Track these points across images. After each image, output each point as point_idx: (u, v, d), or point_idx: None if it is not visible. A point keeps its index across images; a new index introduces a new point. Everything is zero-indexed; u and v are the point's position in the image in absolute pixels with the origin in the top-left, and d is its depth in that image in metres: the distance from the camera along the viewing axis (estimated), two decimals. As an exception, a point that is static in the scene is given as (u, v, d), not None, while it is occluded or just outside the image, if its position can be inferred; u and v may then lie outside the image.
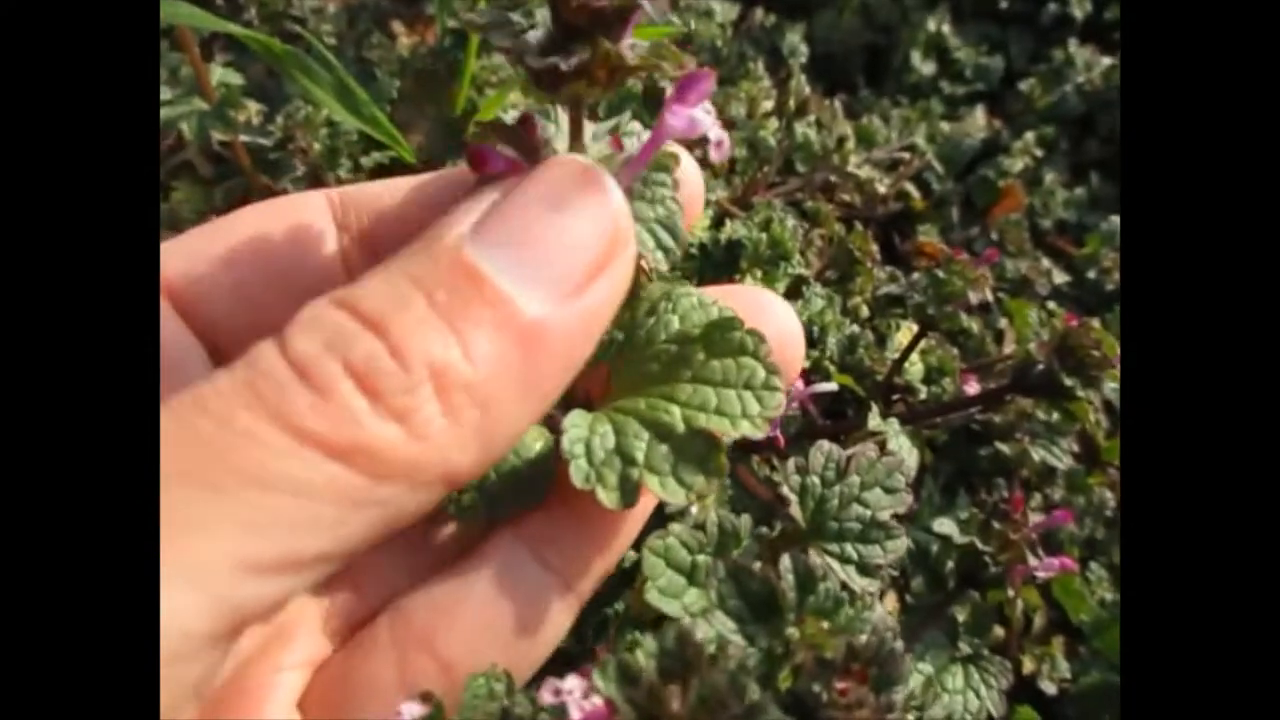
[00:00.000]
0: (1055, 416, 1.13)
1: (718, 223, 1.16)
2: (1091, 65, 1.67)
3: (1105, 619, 1.08)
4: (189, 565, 0.36)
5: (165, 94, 1.09)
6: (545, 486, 0.54)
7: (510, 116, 0.51)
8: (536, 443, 0.56)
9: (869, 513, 0.66)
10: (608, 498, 0.48)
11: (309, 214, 0.56)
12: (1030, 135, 1.60)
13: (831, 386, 1.01)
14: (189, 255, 0.54)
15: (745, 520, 0.60)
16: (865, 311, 1.21)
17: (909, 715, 0.62)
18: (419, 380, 0.40)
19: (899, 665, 0.50)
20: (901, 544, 0.66)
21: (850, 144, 1.38)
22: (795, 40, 1.67)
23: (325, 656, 0.51)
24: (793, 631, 0.52)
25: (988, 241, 1.50)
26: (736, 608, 0.52)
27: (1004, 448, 1.14)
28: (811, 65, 1.68)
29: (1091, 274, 1.47)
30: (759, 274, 1.15)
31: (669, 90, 0.47)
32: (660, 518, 0.61)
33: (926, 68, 1.73)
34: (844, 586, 0.60)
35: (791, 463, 0.65)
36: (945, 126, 1.61)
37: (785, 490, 0.65)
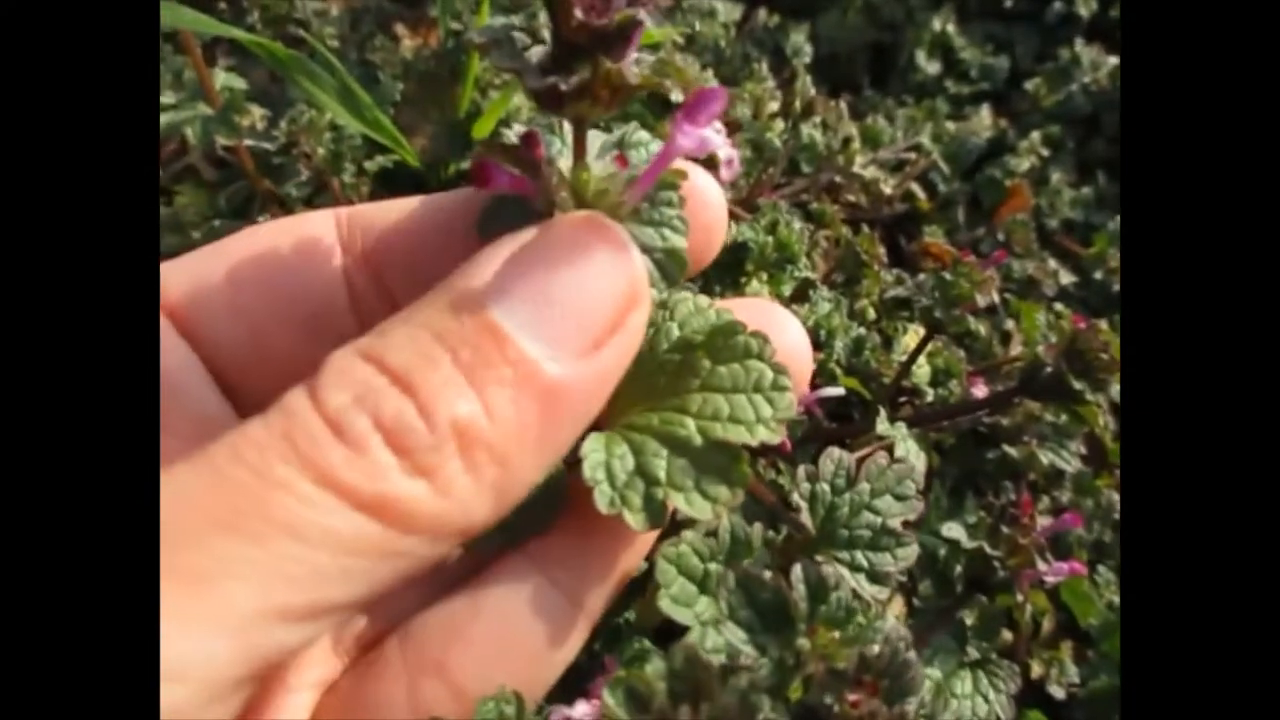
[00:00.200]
0: (1063, 419, 1.12)
1: (723, 225, 1.15)
2: (1098, 64, 1.66)
3: (1113, 622, 1.07)
4: (224, 613, 0.37)
5: (169, 98, 1.09)
6: (556, 511, 0.54)
7: (513, 133, 0.50)
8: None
9: (879, 520, 0.65)
10: (634, 520, 0.48)
11: (314, 234, 0.56)
12: (1036, 135, 1.59)
13: (838, 390, 1.00)
14: (192, 276, 0.54)
15: (757, 528, 0.60)
16: (872, 314, 1.21)
17: (919, 724, 0.61)
18: (444, 439, 0.42)
19: (912, 676, 0.50)
20: (912, 552, 0.66)
21: (856, 144, 1.37)
22: (799, 40, 1.66)
23: (335, 677, 0.51)
24: (803, 642, 0.52)
25: (994, 242, 1.49)
26: (747, 618, 0.52)
27: (1011, 451, 1.14)
28: (815, 65, 1.68)
29: (1098, 274, 1.47)
30: (764, 277, 1.14)
31: (679, 109, 0.46)
32: (671, 525, 0.61)
33: (931, 67, 1.72)
34: (855, 595, 0.59)
35: (802, 470, 0.65)
36: (951, 126, 1.60)
37: (795, 497, 0.65)
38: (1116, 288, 1.45)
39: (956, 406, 1.09)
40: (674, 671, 0.41)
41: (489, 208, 0.52)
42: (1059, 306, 1.36)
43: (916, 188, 1.53)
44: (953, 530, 1.00)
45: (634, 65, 0.44)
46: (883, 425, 0.97)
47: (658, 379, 0.52)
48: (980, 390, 1.14)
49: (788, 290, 1.13)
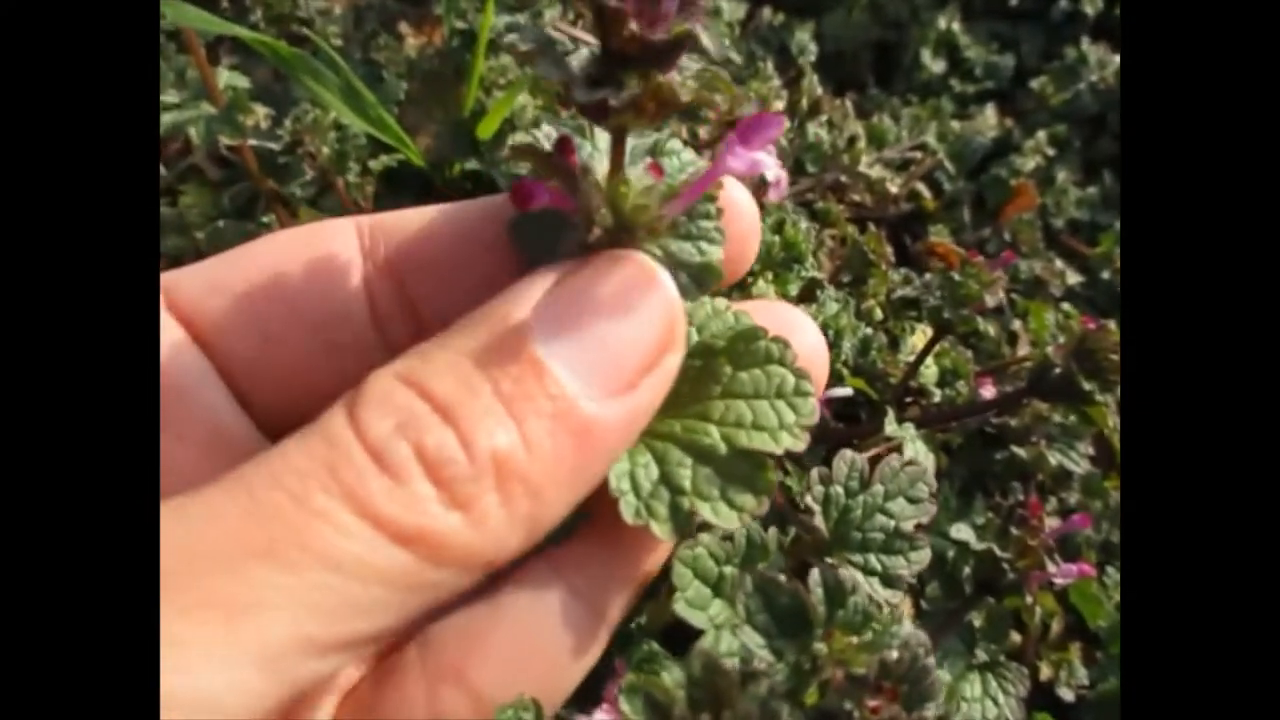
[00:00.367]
0: (1071, 419, 1.12)
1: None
2: (1104, 63, 1.65)
3: (1123, 624, 1.07)
4: (258, 644, 0.37)
5: (172, 98, 1.08)
6: (577, 517, 0.53)
7: (543, 135, 0.49)
8: None
9: (893, 523, 0.65)
10: (661, 530, 0.48)
11: (335, 242, 0.55)
12: (1042, 134, 1.58)
13: (846, 391, 1.00)
14: (207, 282, 0.54)
15: (773, 532, 0.59)
16: (879, 314, 1.20)
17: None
18: (483, 470, 0.42)
19: (931, 682, 0.49)
20: (925, 555, 0.66)
21: (861, 144, 1.37)
22: (804, 39, 1.66)
23: (353, 683, 0.50)
24: (821, 646, 0.51)
25: (1000, 241, 1.48)
26: (764, 622, 0.52)
27: (1020, 451, 1.13)
28: (820, 64, 1.67)
29: (1105, 274, 1.46)
30: (771, 276, 1.14)
31: (732, 130, 0.45)
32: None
33: (937, 66, 1.72)
34: (870, 599, 0.59)
35: (815, 472, 0.64)
36: (956, 125, 1.60)
37: (808, 499, 0.65)
38: (1123, 288, 1.44)
39: (965, 407, 1.09)
40: (693, 679, 0.41)
41: (521, 218, 0.52)
42: (1066, 306, 1.36)
43: (922, 187, 1.52)
44: (961, 532, 0.99)
45: (683, 81, 0.43)
46: (891, 426, 0.97)
47: (680, 385, 0.51)
48: (988, 391, 1.13)
49: (794, 290, 1.13)
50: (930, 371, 1.15)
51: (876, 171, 1.43)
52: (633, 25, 0.40)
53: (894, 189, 1.45)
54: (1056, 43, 1.76)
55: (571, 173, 0.48)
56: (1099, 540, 1.15)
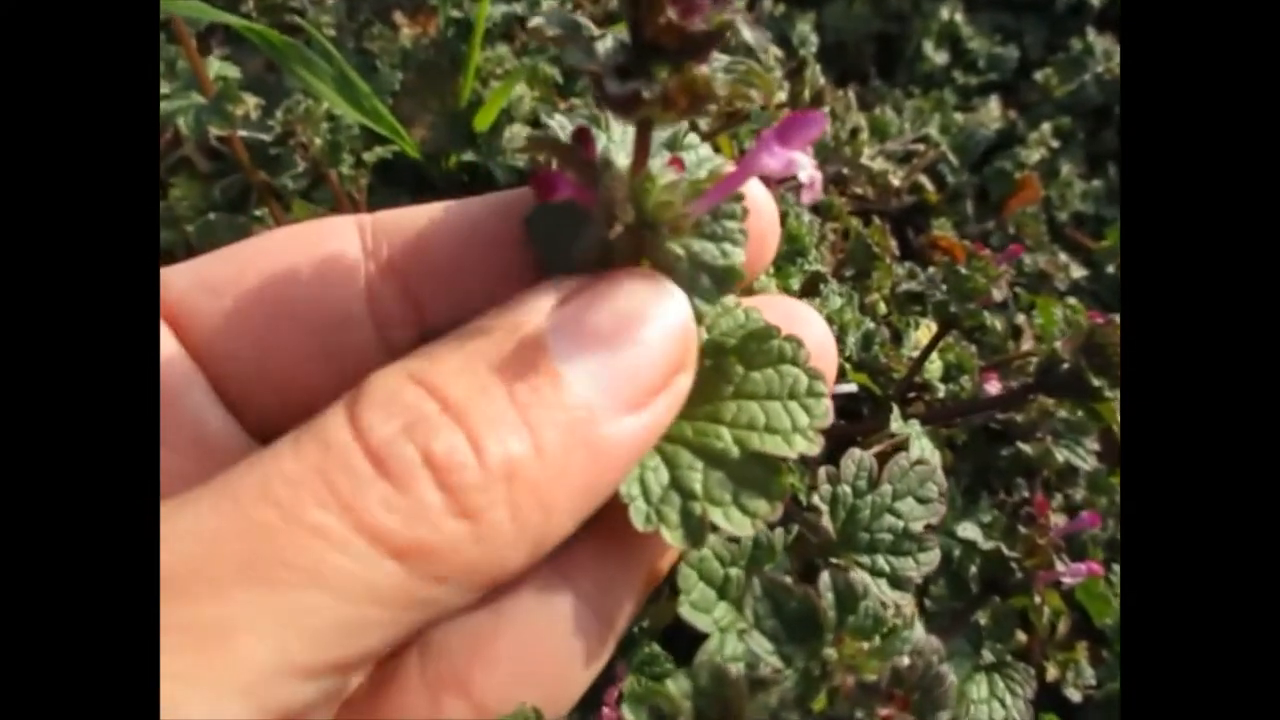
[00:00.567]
0: (1078, 415, 1.10)
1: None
2: (1109, 54, 1.64)
3: (1130, 622, 1.05)
4: (239, 673, 0.35)
5: (162, 88, 1.06)
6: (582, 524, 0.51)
7: (557, 125, 0.47)
8: None
9: (901, 523, 0.64)
10: (673, 537, 0.46)
11: (337, 242, 0.53)
12: (1046, 126, 1.57)
13: (851, 387, 0.98)
14: (196, 281, 0.52)
15: (779, 533, 0.58)
16: (883, 309, 1.18)
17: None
18: (493, 479, 0.40)
19: (944, 690, 0.48)
20: (934, 556, 0.64)
21: (864, 136, 1.35)
22: (806, 29, 1.64)
23: (352, 691, 0.49)
24: (830, 652, 0.49)
25: (1004, 235, 1.47)
26: (773, 627, 0.50)
27: (1026, 448, 1.11)
28: (822, 55, 1.65)
29: (1110, 268, 1.44)
30: (773, 270, 1.12)
31: (769, 128, 0.43)
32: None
33: (939, 57, 1.70)
34: (880, 603, 0.57)
35: (823, 471, 0.63)
36: (959, 117, 1.58)
37: (815, 499, 0.63)
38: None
39: (970, 403, 1.07)
40: (700, 689, 0.39)
41: (537, 214, 0.50)
42: (1071, 300, 1.34)
43: (925, 180, 1.51)
44: (968, 530, 0.98)
45: (718, 74, 0.41)
46: (896, 423, 0.95)
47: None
48: (993, 386, 1.11)
49: (796, 284, 1.11)
50: (935, 367, 1.13)
51: (879, 164, 1.41)
52: (670, 13, 0.38)
53: (897, 182, 1.43)
54: (1061, 34, 1.75)
55: (592, 166, 0.46)
56: (1105, 537, 1.13)
